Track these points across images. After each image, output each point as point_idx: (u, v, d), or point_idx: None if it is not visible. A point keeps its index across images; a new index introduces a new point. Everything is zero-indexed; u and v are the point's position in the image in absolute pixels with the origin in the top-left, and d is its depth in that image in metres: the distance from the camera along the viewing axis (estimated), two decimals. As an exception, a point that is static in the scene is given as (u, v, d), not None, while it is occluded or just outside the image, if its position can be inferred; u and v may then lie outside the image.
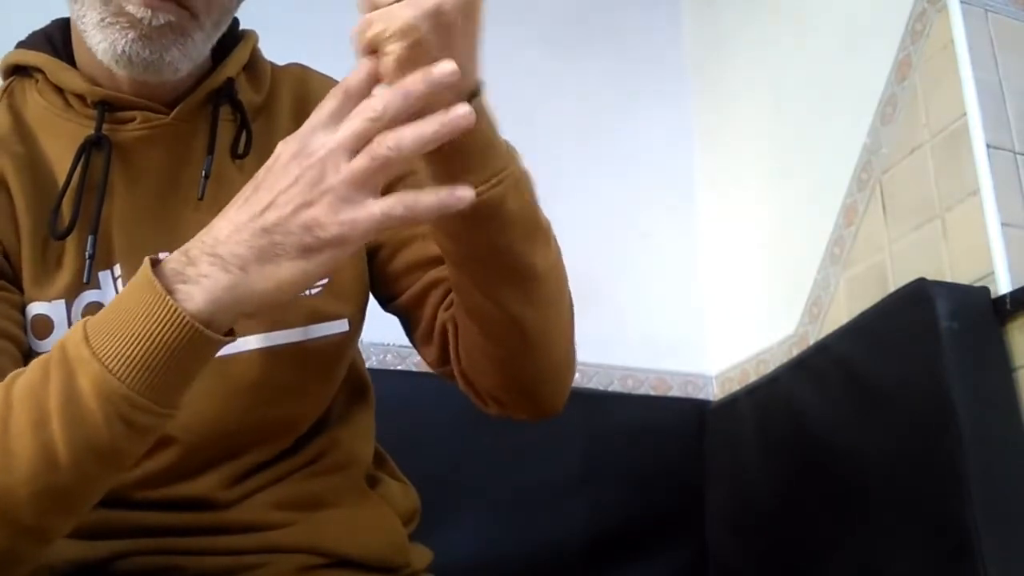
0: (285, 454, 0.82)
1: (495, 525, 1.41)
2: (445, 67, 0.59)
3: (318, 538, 0.78)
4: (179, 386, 0.62)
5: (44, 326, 0.77)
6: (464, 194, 0.59)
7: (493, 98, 0.71)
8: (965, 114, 1.25)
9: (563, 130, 1.81)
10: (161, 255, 0.79)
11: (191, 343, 0.59)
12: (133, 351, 0.59)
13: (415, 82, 0.59)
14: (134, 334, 0.59)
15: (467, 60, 0.64)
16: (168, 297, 0.59)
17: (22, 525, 0.62)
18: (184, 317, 0.59)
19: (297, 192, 0.59)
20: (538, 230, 0.73)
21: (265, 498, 0.79)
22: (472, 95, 0.66)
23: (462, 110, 0.58)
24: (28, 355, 0.76)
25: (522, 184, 0.71)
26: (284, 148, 0.61)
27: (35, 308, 0.77)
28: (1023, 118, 1.26)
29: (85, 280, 0.77)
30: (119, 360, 0.59)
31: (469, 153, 0.67)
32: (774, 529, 1.36)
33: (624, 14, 1.98)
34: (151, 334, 0.59)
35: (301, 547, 0.77)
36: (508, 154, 0.70)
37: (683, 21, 2.06)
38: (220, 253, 0.60)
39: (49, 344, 0.76)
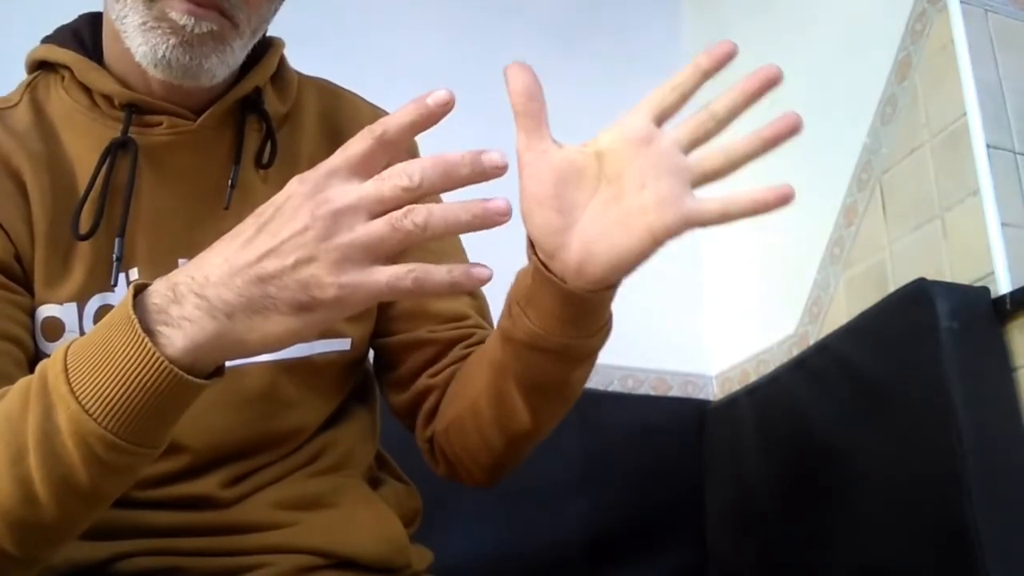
0: (286, 455, 0.82)
1: (495, 525, 1.40)
2: (494, 156, 0.54)
3: (318, 538, 0.78)
4: (161, 427, 0.60)
5: (55, 329, 0.76)
6: (481, 273, 0.54)
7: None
8: (965, 114, 1.25)
9: (562, 129, 1.79)
10: (180, 262, 0.78)
11: (171, 388, 0.57)
12: (111, 392, 0.56)
13: (462, 164, 0.54)
14: (113, 374, 0.56)
15: None
16: (147, 340, 0.56)
17: (4, 553, 0.62)
18: (163, 363, 0.56)
19: (302, 243, 0.54)
20: (594, 365, 0.77)
21: (265, 498, 0.79)
22: None
23: (501, 205, 0.54)
24: (36, 357, 0.76)
25: (610, 332, 0.74)
26: (297, 187, 0.56)
27: (46, 310, 0.77)
28: (1023, 118, 1.26)
29: (112, 283, 0.77)
30: (97, 400, 0.57)
31: (596, 310, 0.70)
32: (774, 529, 1.36)
33: (623, 12, 1.98)
34: (129, 377, 0.56)
35: (301, 547, 0.77)
36: None
37: (683, 20, 2.06)
38: (208, 296, 0.56)
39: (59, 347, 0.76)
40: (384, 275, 0.54)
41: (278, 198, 0.57)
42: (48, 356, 0.71)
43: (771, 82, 0.62)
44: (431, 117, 0.55)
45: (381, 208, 0.54)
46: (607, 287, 0.68)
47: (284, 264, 0.55)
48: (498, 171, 0.54)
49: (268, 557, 0.76)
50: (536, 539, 1.43)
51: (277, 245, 0.55)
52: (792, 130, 0.62)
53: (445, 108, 0.55)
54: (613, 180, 0.65)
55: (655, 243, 0.64)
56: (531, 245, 0.69)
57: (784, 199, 0.61)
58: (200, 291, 0.56)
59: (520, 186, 0.65)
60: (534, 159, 0.65)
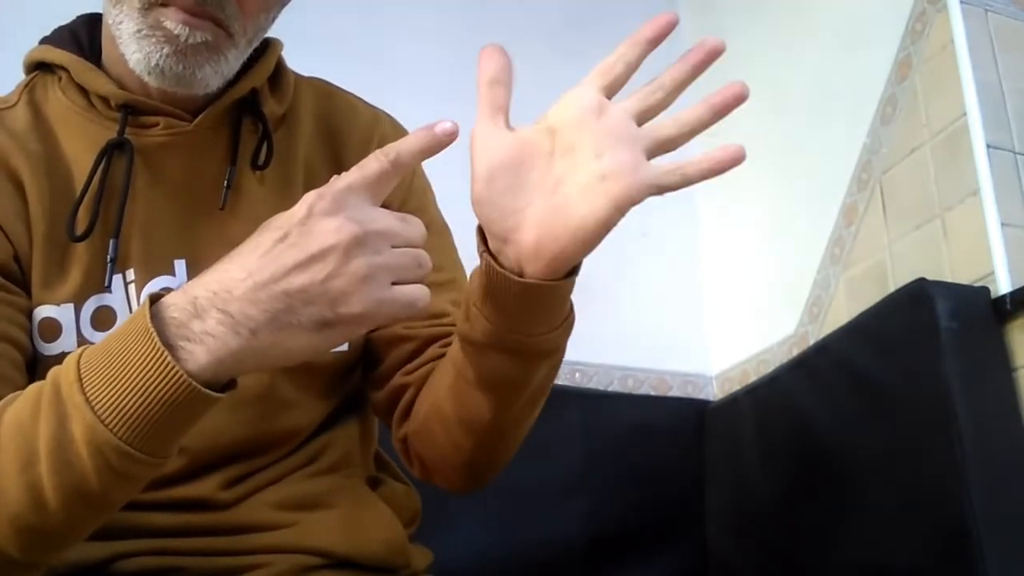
0: (284, 455, 0.82)
1: (495, 525, 1.40)
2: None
3: (317, 538, 0.78)
4: (173, 437, 0.60)
5: (52, 330, 0.76)
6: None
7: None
8: (965, 114, 1.25)
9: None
10: (174, 269, 0.77)
11: (189, 401, 0.57)
12: (128, 403, 0.57)
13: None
14: (130, 386, 0.57)
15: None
16: (167, 355, 0.56)
17: (7, 558, 0.62)
18: (183, 378, 0.56)
19: (332, 258, 0.57)
20: (561, 363, 0.75)
21: (264, 499, 0.79)
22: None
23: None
24: (34, 359, 0.76)
25: (572, 327, 0.73)
26: (317, 201, 0.58)
27: (43, 311, 0.76)
28: (1023, 118, 1.26)
29: (106, 284, 0.76)
30: (113, 411, 0.57)
31: (555, 301, 0.68)
32: (774, 529, 1.36)
33: (623, 13, 1.98)
34: (148, 389, 0.57)
35: (300, 547, 0.77)
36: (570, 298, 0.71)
37: (682, 21, 2.05)
38: (232, 312, 0.57)
39: (56, 348, 0.76)
40: (404, 295, 0.59)
41: (298, 212, 0.58)
42: (46, 357, 0.71)
43: (714, 54, 0.64)
44: (438, 145, 0.62)
45: (403, 244, 0.60)
46: (566, 273, 0.66)
47: (313, 279, 0.56)
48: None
49: (268, 557, 0.76)
50: (536, 539, 1.42)
51: (305, 260, 0.57)
52: (738, 98, 0.64)
53: (450, 138, 0.62)
54: (567, 153, 0.63)
55: (617, 210, 0.62)
56: (482, 240, 0.67)
57: (737, 158, 0.63)
58: (223, 306, 0.57)
59: (471, 168, 0.65)
60: (485, 139, 0.64)
